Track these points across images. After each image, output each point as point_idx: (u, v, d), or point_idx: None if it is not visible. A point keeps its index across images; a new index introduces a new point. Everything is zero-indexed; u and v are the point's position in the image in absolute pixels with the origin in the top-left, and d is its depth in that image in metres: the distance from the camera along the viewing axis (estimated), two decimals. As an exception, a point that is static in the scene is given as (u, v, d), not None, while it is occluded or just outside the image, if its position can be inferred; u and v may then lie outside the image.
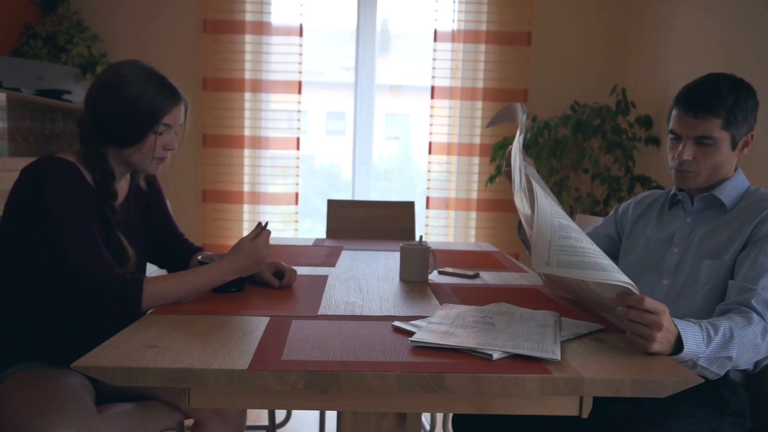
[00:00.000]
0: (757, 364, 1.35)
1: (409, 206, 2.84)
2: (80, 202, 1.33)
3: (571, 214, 3.41)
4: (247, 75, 3.67)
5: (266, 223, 1.48)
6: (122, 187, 1.53)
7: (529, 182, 1.31)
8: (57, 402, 1.24)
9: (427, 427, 2.48)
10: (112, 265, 1.31)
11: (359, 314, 1.32)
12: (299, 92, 3.71)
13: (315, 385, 0.97)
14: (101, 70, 1.45)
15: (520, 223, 1.64)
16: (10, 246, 1.36)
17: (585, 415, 1.05)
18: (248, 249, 1.41)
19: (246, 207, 3.76)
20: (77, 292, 1.30)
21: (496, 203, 3.83)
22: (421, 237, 1.79)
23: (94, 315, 1.38)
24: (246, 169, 3.73)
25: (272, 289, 1.53)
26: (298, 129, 3.75)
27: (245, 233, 3.75)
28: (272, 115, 3.72)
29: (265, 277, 1.54)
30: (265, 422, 2.63)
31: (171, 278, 1.35)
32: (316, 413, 2.62)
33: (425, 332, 1.14)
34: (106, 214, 1.40)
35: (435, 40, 3.74)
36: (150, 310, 1.30)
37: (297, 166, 3.78)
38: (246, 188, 3.75)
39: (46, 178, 1.30)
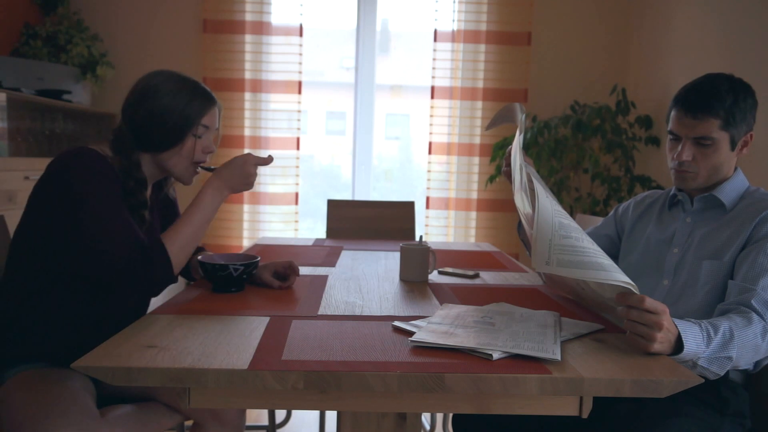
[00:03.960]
0: (757, 364, 1.35)
1: (409, 206, 2.84)
2: (110, 182, 1.33)
3: (571, 214, 3.41)
4: (247, 75, 3.67)
5: (270, 156, 1.50)
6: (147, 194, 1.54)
7: (530, 181, 1.31)
8: (59, 405, 1.23)
9: (427, 427, 2.48)
10: (139, 234, 1.33)
11: (359, 314, 1.32)
12: (299, 92, 3.71)
13: (315, 385, 0.97)
14: (134, 83, 1.46)
15: (520, 223, 1.64)
16: (27, 241, 1.36)
17: (585, 415, 1.05)
18: (237, 162, 1.43)
19: (246, 207, 3.76)
20: (111, 275, 1.29)
21: (496, 203, 3.83)
22: (421, 237, 1.79)
23: (131, 291, 1.38)
24: (246, 169, 3.73)
25: (272, 289, 1.53)
26: (298, 129, 3.75)
27: (245, 233, 3.76)
28: (272, 115, 3.72)
29: (265, 278, 1.54)
30: (265, 422, 2.63)
31: (181, 223, 1.36)
32: (316, 413, 2.62)
33: (425, 332, 1.14)
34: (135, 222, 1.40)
35: (435, 40, 3.74)
36: (149, 311, 1.31)
37: (297, 166, 3.78)
38: (246, 188, 3.74)
39: (77, 163, 1.31)
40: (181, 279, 1.76)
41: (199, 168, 1.52)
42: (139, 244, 1.31)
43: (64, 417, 1.20)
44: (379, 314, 1.32)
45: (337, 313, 1.32)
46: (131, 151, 1.42)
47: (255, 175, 1.45)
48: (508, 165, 1.53)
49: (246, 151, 3.71)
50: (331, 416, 2.57)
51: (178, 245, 1.34)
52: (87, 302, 1.40)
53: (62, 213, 1.30)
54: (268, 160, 1.47)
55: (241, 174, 1.43)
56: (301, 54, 3.69)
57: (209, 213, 1.40)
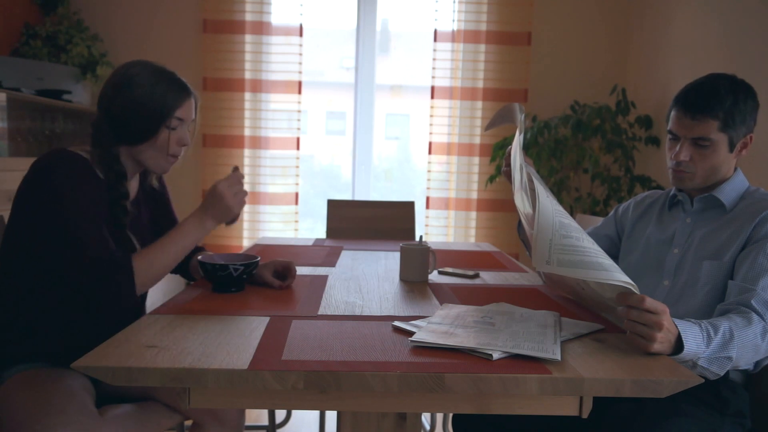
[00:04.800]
0: (757, 364, 1.35)
1: (409, 206, 2.84)
2: (89, 190, 1.34)
3: (571, 214, 3.41)
4: (247, 75, 3.67)
5: (235, 168, 1.47)
6: (132, 186, 1.53)
7: (530, 181, 1.31)
8: (58, 404, 1.23)
9: (427, 427, 2.48)
10: (109, 246, 1.32)
11: (359, 314, 1.32)
12: (299, 92, 3.71)
13: (315, 385, 0.97)
14: (111, 72, 1.46)
15: (520, 222, 1.64)
16: (15, 242, 1.37)
17: (585, 415, 1.05)
18: (210, 192, 1.41)
19: (246, 207, 3.75)
20: (77, 273, 1.29)
21: (496, 203, 3.83)
22: (421, 237, 1.79)
23: (92, 302, 1.37)
24: (246, 169, 3.73)
25: (272, 289, 1.53)
26: (298, 129, 3.75)
27: (245, 233, 3.76)
28: (272, 115, 3.72)
29: (265, 277, 1.54)
30: (265, 422, 2.63)
31: (155, 246, 1.36)
32: (316, 413, 2.62)
33: (425, 332, 1.14)
34: (117, 214, 1.40)
35: (435, 40, 3.74)
36: (149, 311, 1.31)
37: (297, 166, 3.78)
38: (246, 188, 3.74)
39: (56, 168, 1.32)
40: (181, 279, 1.76)
41: None
42: (108, 257, 1.30)
43: (62, 416, 1.20)
44: (379, 314, 1.32)
45: (337, 313, 1.32)
46: (109, 143, 1.42)
47: (236, 195, 1.42)
48: (508, 165, 1.53)
49: (246, 151, 3.71)
50: (331, 416, 2.57)
51: (146, 267, 1.32)
52: (84, 301, 1.40)
53: (42, 218, 1.31)
54: (237, 174, 1.46)
55: (218, 199, 1.41)
56: (301, 54, 3.69)
57: (187, 243, 1.38)
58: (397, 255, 1.90)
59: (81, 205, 1.31)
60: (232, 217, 1.45)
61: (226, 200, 1.42)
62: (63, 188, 1.30)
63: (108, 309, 1.39)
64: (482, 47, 3.72)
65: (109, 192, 1.40)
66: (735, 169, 1.48)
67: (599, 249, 1.14)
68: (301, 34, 3.68)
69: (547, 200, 1.15)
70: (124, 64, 1.46)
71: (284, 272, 1.57)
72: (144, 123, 1.41)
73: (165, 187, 1.69)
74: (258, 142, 3.73)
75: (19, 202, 1.36)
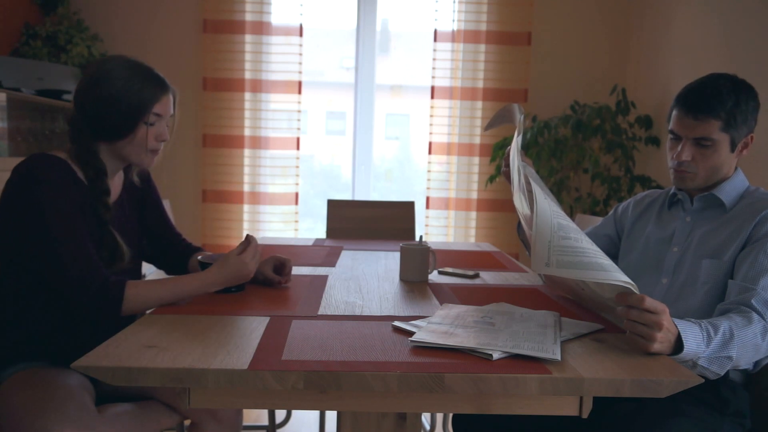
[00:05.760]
0: (757, 363, 1.35)
1: (409, 206, 2.84)
2: (71, 200, 1.33)
3: (571, 214, 3.41)
4: (247, 75, 3.67)
5: (252, 238, 1.47)
6: (116, 184, 1.53)
7: (528, 183, 1.31)
8: (57, 402, 1.24)
9: (427, 427, 2.48)
10: (98, 266, 1.32)
11: (359, 314, 1.32)
12: (299, 92, 3.71)
13: (315, 385, 0.97)
14: (86, 69, 1.45)
15: (519, 223, 1.64)
16: (6, 245, 1.36)
17: (585, 415, 1.05)
18: (235, 263, 1.40)
19: (246, 207, 3.76)
20: (61, 288, 1.30)
21: (496, 203, 3.83)
22: (421, 237, 1.79)
23: (74, 314, 1.37)
24: (246, 169, 3.73)
25: (272, 289, 1.53)
26: (298, 129, 3.75)
27: (245, 233, 3.75)
28: (272, 115, 3.72)
29: (266, 273, 1.55)
30: (265, 422, 2.63)
31: (153, 284, 1.34)
32: (316, 413, 2.62)
33: (425, 332, 1.14)
34: (99, 211, 1.40)
35: (435, 40, 3.74)
36: (149, 311, 1.31)
37: (297, 166, 3.78)
38: (246, 188, 3.75)
39: (38, 177, 1.30)
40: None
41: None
42: (95, 270, 1.30)
43: (61, 413, 1.20)
44: (379, 314, 1.32)
45: (337, 313, 1.32)
46: (87, 140, 1.40)
47: (253, 270, 1.42)
48: (508, 165, 1.53)
49: (246, 151, 3.71)
50: (331, 416, 2.57)
51: (136, 299, 1.30)
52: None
53: (26, 231, 1.30)
54: (255, 244, 1.45)
55: (237, 270, 1.40)
56: (301, 54, 3.69)
57: (185, 294, 1.36)
58: (397, 255, 1.90)
59: (63, 219, 1.30)
60: (241, 282, 1.44)
61: (248, 267, 1.41)
62: (45, 200, 1.29)
63: (88, 322, 1.39)
64: (482, 47, 3.72)
65: (89, 188, 1.39)
66: (735, 168, 1.48)
67: (598, 249, 1.14)
68: (301, 34, 3.68)
69: (545, 202, 1.15)
70: (99, 59, 1.46)
71: (281, 268, 1.58)
72: (120, 119, 1.39)
73: (154, 188, 1.67)
74: (258, 142, 3.73)
75: (2, 209, 1.35)
